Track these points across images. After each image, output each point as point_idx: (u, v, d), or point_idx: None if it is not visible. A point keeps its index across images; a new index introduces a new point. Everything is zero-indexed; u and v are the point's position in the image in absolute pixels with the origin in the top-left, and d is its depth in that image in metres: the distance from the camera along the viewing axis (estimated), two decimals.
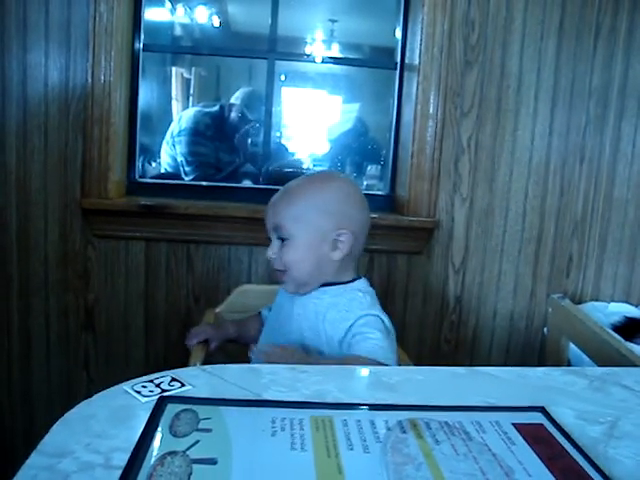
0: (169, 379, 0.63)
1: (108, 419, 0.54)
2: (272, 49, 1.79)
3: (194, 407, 0.56)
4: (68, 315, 1.64)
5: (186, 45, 2.61)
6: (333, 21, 2.42)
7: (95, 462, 0.47)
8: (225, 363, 0.68)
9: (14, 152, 1.55)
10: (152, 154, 2.14)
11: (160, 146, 2.15)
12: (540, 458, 0.51)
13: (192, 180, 2.02)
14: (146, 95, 1.90)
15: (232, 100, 2.17)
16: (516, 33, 1.66)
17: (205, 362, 1.01)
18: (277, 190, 1.05)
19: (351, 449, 0.50)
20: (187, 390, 0.61)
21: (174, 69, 2.52)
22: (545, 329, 1.54)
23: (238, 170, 2.07)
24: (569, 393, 0.67)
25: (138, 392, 0.59)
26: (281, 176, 1.84)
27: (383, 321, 0.97)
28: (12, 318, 1.62)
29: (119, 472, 0.45)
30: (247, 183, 2.00)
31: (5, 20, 1.50)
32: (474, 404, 0.61)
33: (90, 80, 1.54)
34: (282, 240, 1.00)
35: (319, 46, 2.42)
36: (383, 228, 1.61)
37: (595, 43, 1.68)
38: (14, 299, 1.61)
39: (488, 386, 0.67)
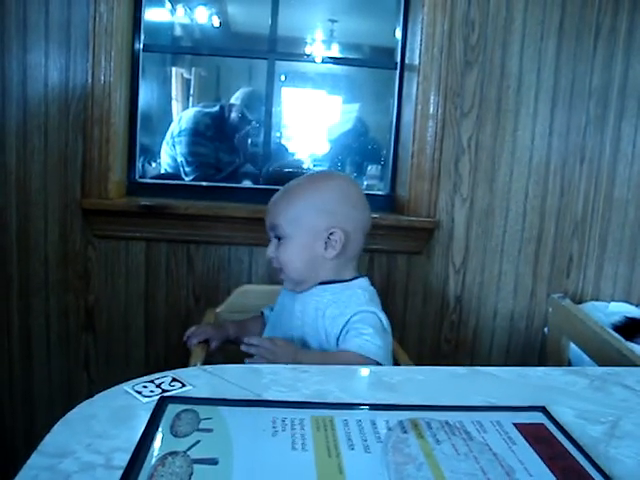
0: (170, 379, 0.63)
1: (109, 419, 0.54)
2: (272, 49, 1.79)
3: (195, 407, 0.56)
4: (68, 315, 1.64)
5: (186, 45, 2.61)
6: (333, 21, 2.41)
7: (96, 462, 0.47)
8: (225, 363, 0.68)
9: (14, 152, 1.55)
10: (152, 154, 2.14)
11: (160, 146, 2.14)
12: (541, 458, 0.51)
13: (192, 180, 2.02)
14: (146, 95, 1.90)
15: (232, 100, 2.17)
16: (516, 33, 1.66)
17: (205, 362, 1.01)
18: (277, 190, 1.06)
19: (352, 449, 0.50)
20: (188, 390, 0.61)
21: (174, 69, 2.51)
22: (545, 329, 1.54)
23: (238, 170, 2.07)
24: (570, 393, 0.67)
25: (139, 392, 0.59)
26: (281, 176, 1.84)
27: (380, 318, 0.97)
28: (12, 318, 1.62)
29: (120, 472, 0.45)
30: (247, 183, 2.00)
31: (5, 20, 1.50)
32: (475, 404, 0.61)
33: (90, 80, 1.54)
34: (279, 239, 1.01)
35: (319, 46, 2.41)
36: (383, 228, 1.61)
37: (595, 43, 1.68)
38: (14, 299, 1.61)
39: (489, 386, 0.67)
